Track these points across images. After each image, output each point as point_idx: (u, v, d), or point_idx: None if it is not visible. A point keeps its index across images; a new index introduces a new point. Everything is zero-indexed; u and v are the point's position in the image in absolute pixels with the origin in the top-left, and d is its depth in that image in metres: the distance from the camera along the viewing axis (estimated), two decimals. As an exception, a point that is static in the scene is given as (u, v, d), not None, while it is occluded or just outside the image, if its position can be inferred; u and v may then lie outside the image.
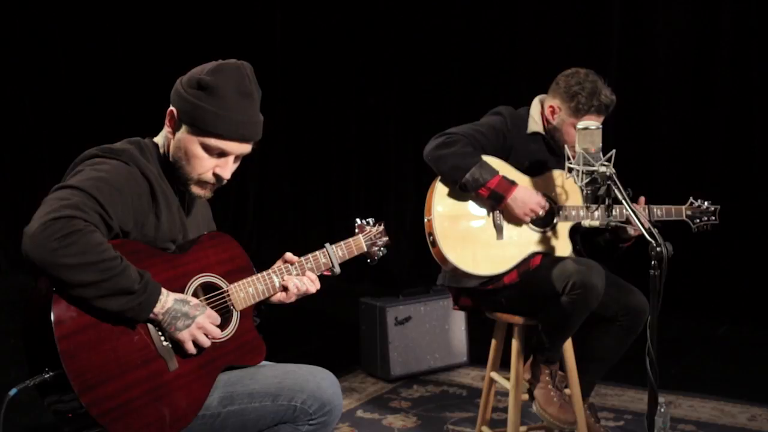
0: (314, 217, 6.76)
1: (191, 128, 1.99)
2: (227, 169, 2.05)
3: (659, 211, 3.06)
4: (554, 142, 3.03)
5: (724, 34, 5.10)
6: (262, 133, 2.07)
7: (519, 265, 2.92)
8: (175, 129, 2.03)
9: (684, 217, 3.12)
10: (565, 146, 2.83)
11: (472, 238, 2.92)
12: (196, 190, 2.06)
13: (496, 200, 2.89)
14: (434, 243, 2.90)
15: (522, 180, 2.97)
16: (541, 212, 2.91)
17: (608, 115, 2.96)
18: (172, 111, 2.03)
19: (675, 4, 5.23)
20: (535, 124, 3.04)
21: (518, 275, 2.91)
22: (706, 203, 3.15)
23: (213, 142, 1.99)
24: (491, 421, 3.27)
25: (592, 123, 2.55)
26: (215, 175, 2.04)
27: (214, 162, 2.03)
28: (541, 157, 3.03)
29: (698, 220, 3.13)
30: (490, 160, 2.93)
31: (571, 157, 2.59)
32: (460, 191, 2.91)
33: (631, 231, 2.95)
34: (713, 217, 3.15)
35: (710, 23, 5.14)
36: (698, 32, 5.19)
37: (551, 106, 3.00)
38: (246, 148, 2.05)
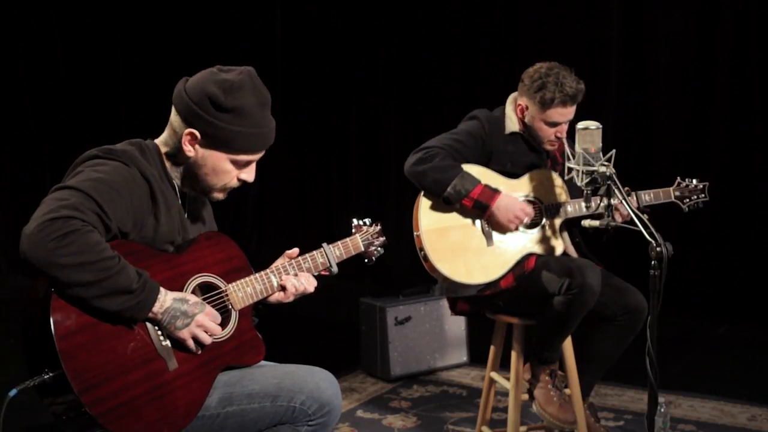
0: (314, 217, 6.75)
1: (220, 149, 2.04)
2: (252, 172, 2.13)
3: (647, 196, 3.05)
4: (533, 139, 3.02)
5: (724, 32, 5.09)
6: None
7: (514, 268, 2.92)
8: (197, 148, 2.04)
9: (673, 199, 3.10)
10: (566, 146, 2.83)
11: (463, 248, 2.92)
12: (218, 196, 2.14)
13: (480, 210, 2.89)
14: (426, 258, 2.91)
15: (505, 184, 2.96)
16: (526, 220, 2.91)
17: (577, 103, 2.93)
18: (192, 133, 2.01)
19: (675, 3, 5.22)
20: (512, 124, 3.02)
21: (514, 279, 2.91)
22: (694, 181, 3.13)
23: (243, 157, 2.06)
24: (491, 421, 3.27)
25: (592, 123, 2.55)
26: (240, 180, 2.11)
27: (238, 171, 2.09)
28: (522, 156, 3.02)
29: (688, 200, 3.11)
30: (471, 168, 2.92)
31: (570, 157, 2.59)
32: (444, 204, 2.91)
33: (618, 218, 2.92)
34: (703, 195, 3.14)
35: (710, 21, 5.14)
36: (698, 31, 5.18)
37: (520, 105, 2.99)
38: (263, 152, 2.12)
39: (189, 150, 2.05)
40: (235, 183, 2.12)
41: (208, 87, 2.00)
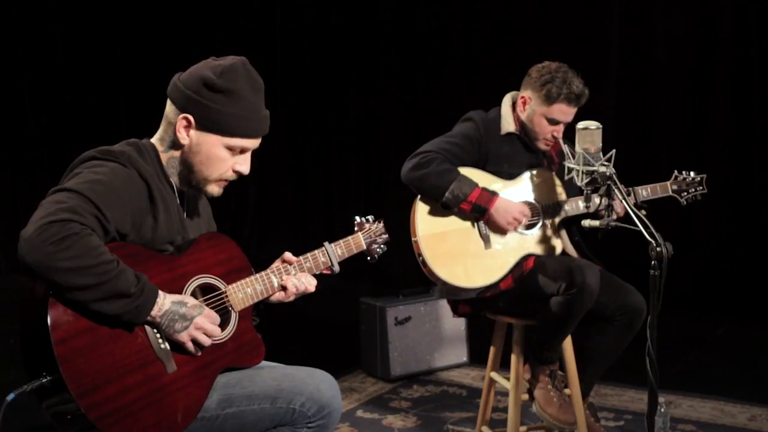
0: (314, 217, 6.75)
1: (215, 132, 2.01)
2: (247, 163, 2.10)
3: (645, 191, 3.04)
4: (529, 139, 3.02)
5: (724, 31, 5.09)
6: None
7: (513, 270, 2.92)
8: (192, 135, 2.03)
9: (671, 192, 3.10)
10: (563, 146, 2.82)
11: (461, 252, 2.92)
12: (213, 188, 2.09)
13: (479, 213, 2.89)
14: (424, 263, 2.91)
15: (502, 185, 2.96)
16: (524, 220, 2.91)
17: (580, 106, 2.94)
18: (187, 117, 2.01)
19: (675, 2, 5.22)
20: (508, 124, 3.02)
21: (513, 280, 2.91)
22: (691, 173, 3.12)
23: (238, 142, 2.03)
24: (491, 421, 3.27)
25: (592, 123, 2.55)
26: (235, 171, 2.08)
27: (234, 160, 2.06)
28: (518, 157, 3.02)
29: (686, 193, 3.11)
30: (467, 172, 2.92)
31: (570, 157, 2.59)
32: (441, 208, 2.91)
33: (613, 214, 2.92)
34: (701, 187, 3.13)
35: (710, 20, 5.13)
36: (698, 30, 5.18)
37: (522, 97, 2.99)
38: (258, 142, 2.10)
39: (183, 137, 2.03)
40: (230, 174, 2.08)
41: (201, 72, 2.02)
